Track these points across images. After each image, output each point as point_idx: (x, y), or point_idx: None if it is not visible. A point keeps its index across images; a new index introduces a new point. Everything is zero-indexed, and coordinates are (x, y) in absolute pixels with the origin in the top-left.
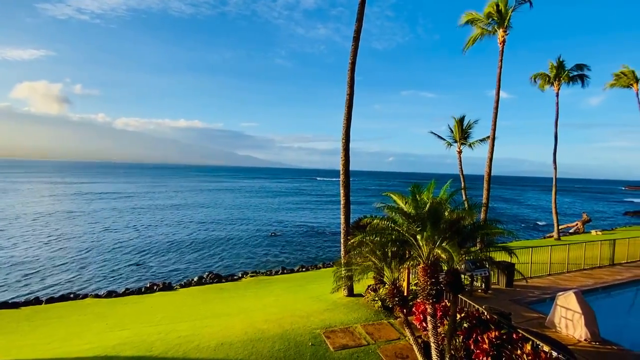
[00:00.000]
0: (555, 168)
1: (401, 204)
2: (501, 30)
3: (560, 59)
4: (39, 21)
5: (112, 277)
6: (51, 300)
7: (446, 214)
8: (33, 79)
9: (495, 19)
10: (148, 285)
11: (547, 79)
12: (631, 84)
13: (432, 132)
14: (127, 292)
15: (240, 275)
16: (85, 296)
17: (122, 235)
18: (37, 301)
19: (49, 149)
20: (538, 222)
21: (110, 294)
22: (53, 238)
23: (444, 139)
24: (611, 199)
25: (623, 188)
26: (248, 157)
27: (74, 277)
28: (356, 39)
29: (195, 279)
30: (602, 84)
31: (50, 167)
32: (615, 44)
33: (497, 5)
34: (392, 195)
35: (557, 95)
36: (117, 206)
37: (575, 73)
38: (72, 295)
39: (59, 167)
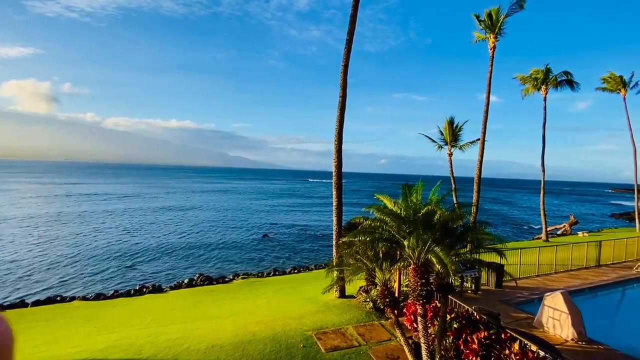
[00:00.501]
0: (544, 171)
1: (391, 207)
2: (492, 36)
3: (548, 66)
4: (27, 18)
5: (101, 279)
6: (37, 303)
7: (436, 216)
8: (20, 77)
9: (488, 25)
10: (137, 288)
11: (535, 83)
12: (619, 89)
13: (422, 134)
14: (116, 295)
15: (231, 277)
16: (72, 299)
17: (111, 237)
18: (22, 304)
19: (36, 148)
20: (527, 224)
21: (99, 297)
22: (41, 240)
23: (435, 141)
24: (598, 201)
25: (609, 191)
26: (240, 158)
27: (61, 279)
28: (349, 41)
29: (186, 280)
30: (589, 89)
31: (38, 167)
32: (605, 52)
33: (490, 12)
34: (382, 198)
35: (545, 99)
36: (107, 208)
37: (563, 78)
38: (58, 298)
39: (48, 168)
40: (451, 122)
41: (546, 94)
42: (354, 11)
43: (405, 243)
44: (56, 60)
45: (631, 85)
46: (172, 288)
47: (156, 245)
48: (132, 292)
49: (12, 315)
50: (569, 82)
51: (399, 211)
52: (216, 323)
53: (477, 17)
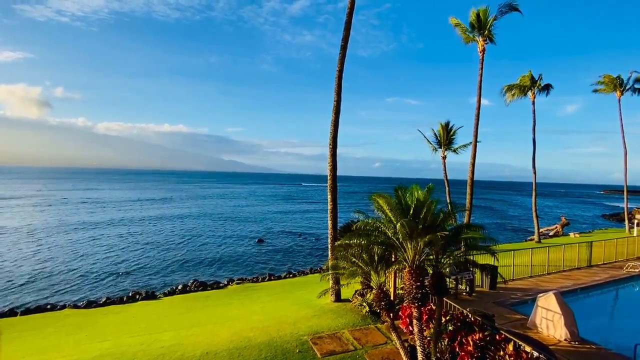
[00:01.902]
0: (535, 173)
1: (386, 209)
2: (481, 38)
3: (531, 72)
4: (17, 23)
5: (93, 286)
6: (27, 311)
7: (429, 217)
8: (10, 82)
9: (476, 27)
10: (130, 295)
11: (523, 89)
12: (615, 89)
13: (419, 131)
14: (108, 302)
15: (225, 283)
16: (63, 307)
17: (103, 243)
18: (11, 313)
19: (27, 154)
20: (520, 225)
21: (90, 304)
22: (33, 248)
23: (431, 143)
24: (589, 203)
25: (600, 192)
26: (234, 163)
27: (52, 287)
28: (344, 47)
29: (180, 287)
30: (578, 91)
31: (30, 174)
32: (596, 56)
33: (478, 14)
34: (377, 199)
35: (534, 103)
36: (100, 215)
37: (544, 83)
38: (49, 306)
39: (39, 174)
40: (446, 125)
41: (534, 98)
42: (348, 18)
43: (403, 240)
44: (47, 65)
45: (628, 87)
46: (165, 294)
47: (150, 251)
48: (124, 299)
49: (0, 325)
50: (547, 87)
51: (395, 209)
52: (211, 329)
53: (459, 24)
